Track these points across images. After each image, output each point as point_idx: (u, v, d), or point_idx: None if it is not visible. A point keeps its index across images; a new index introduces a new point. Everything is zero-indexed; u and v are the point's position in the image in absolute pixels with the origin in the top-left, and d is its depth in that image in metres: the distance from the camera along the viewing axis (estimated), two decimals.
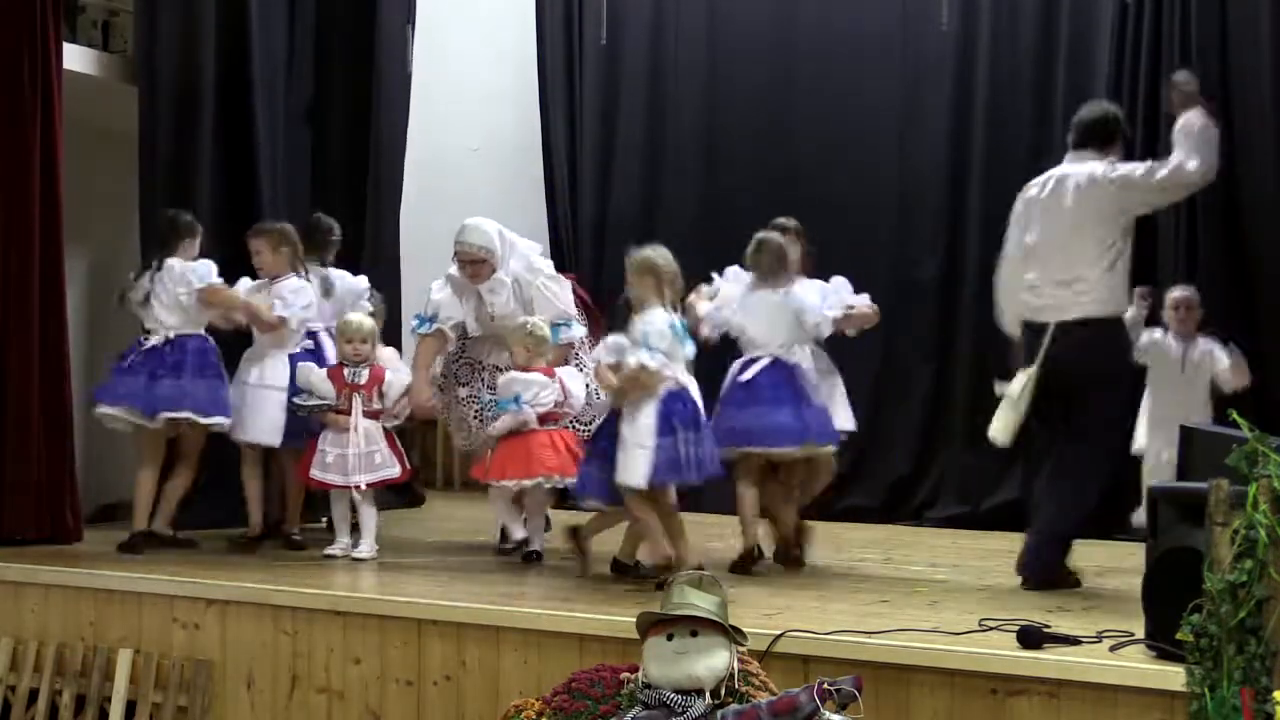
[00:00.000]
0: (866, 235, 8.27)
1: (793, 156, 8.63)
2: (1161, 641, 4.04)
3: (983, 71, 8.26)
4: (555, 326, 6.34)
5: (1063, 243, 5.67)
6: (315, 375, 6.22)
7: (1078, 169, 5.72)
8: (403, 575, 5.88)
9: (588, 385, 6.23)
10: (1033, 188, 5.85)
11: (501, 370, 6.32)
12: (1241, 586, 3.70)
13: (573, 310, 6.54)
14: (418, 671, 5.00)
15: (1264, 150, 7.12)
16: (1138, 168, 5.65)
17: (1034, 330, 5.73)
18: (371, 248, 7.93)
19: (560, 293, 6.52)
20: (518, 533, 6.37)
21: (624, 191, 9.08)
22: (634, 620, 3.92)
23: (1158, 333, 6.92)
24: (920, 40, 8.39)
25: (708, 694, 3.77)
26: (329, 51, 7.99)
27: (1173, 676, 3.90)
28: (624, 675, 3.97)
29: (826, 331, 6.07)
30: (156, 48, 7.01)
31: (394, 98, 8.33)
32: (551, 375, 6.10)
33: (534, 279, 6.45)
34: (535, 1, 9.22)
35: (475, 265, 6.35)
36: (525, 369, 6.06)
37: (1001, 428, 5.71)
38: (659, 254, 5.63)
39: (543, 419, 6.02)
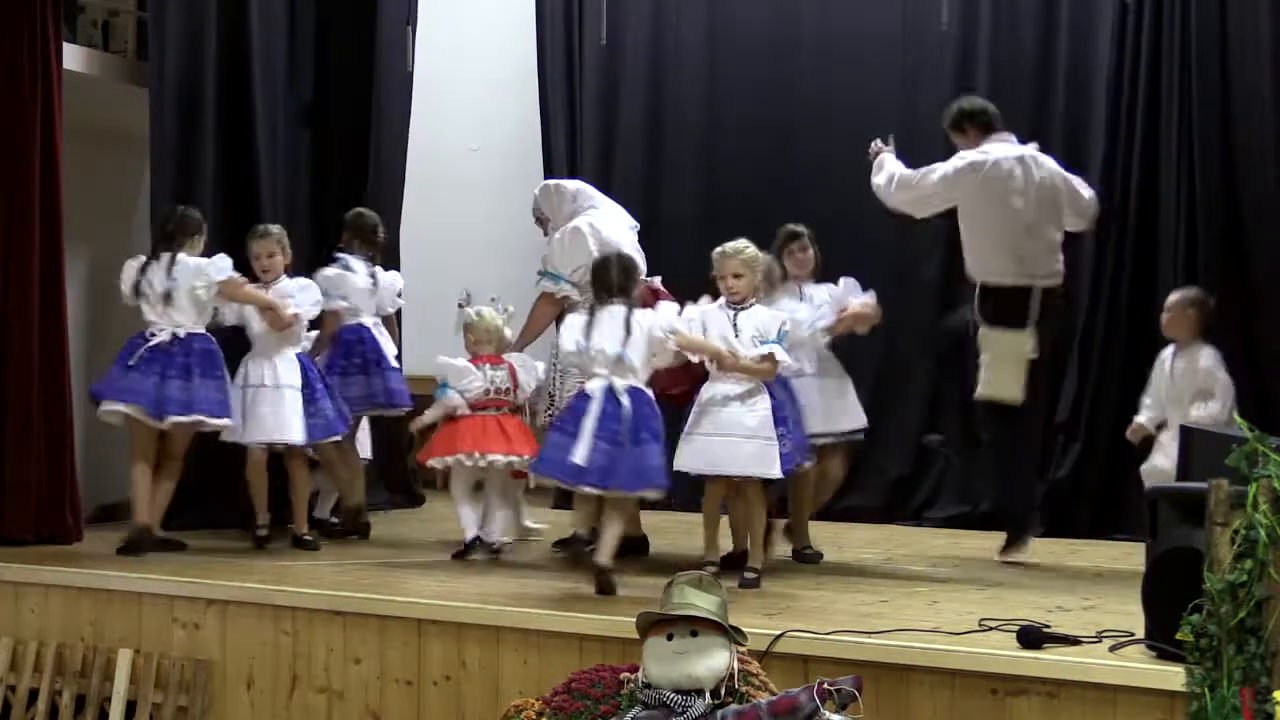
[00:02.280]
0: (866, 234, 8.26)
1: (792, 156, 8.63)
2: (1161, 641, 4.04)
3: (983, 71, 8.25)
4: (541, 275, 6.45)
5: None
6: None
7: None
8: (403, 575, 5.88)
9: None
10: None
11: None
12: (1241, 586, 3.70)
13: (566, 269, 6.34)
14: (418, 671, 5.00)
15: (1264, 150, 7.12)
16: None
17: None
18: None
19: (568, 246, 6.37)
20: (468, 533, 6.32)
21: (624, 191, 9.02)
22: (634, 620, 3.92)
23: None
24: (920, 40, 8.39)
25: (708, 694, 3.77)
26: (329, 51, 7.99)
27: (1173, 676, 3.90)
28: (624, 675, 3.97)
29: (822, 340, 6.24)
30: (164, 51, 7.02)
31: (394, 97, 8.33)
32: (500, 363, 6.30)
33: (564, 224, 6.46)
34: (535, 1, 9.22)
35: (540, 225, 6.68)
36: (474, 358, 6.33)
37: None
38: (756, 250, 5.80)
39: (484, 405, 6.22)
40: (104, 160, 7.40)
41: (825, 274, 6.53)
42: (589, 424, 5.30)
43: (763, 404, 5.50)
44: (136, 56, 7.40)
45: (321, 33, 7.94)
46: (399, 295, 7.19)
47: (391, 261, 8.18)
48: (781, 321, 5.65)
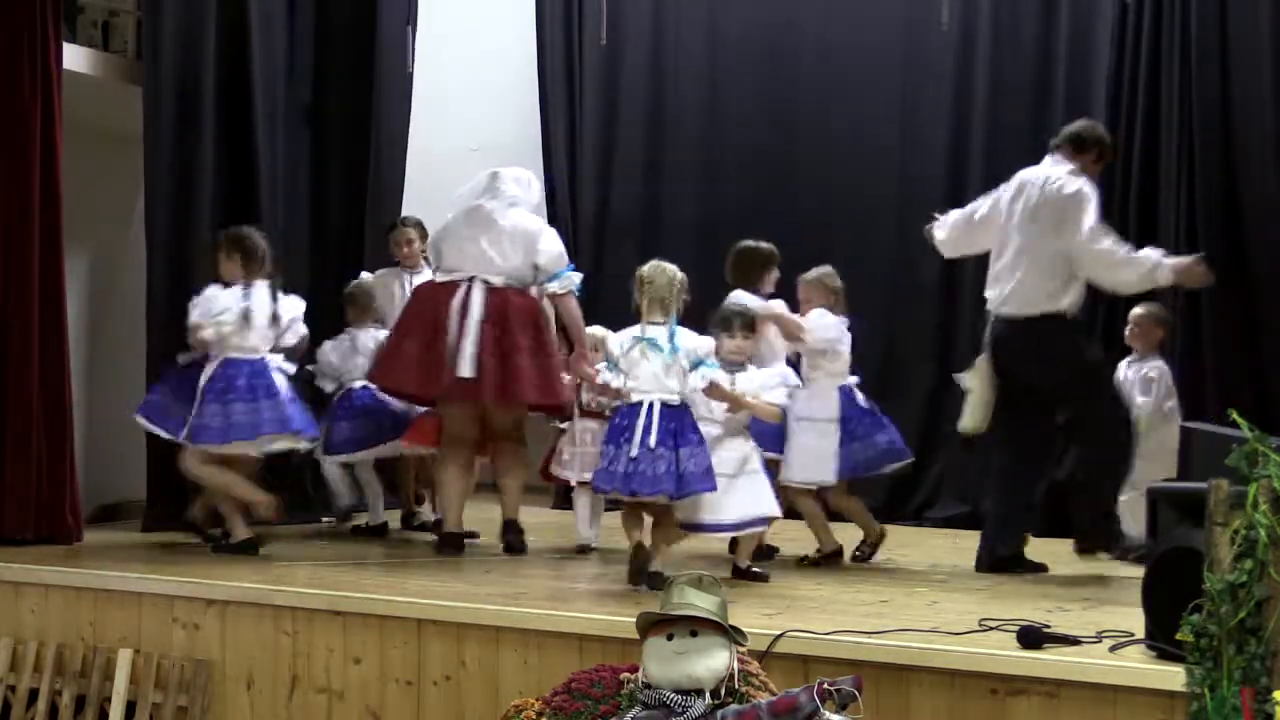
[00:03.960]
0: (867, 234, 8.27)
1: (792, 156, 8.64)
2: (1161, 641, 4.04)
3: (983, 71, 8.26)
4: None
5: (1018, 239, 6.04)
6: None
7: (1042, 171, 6.08)
8: (403, 575, 5.88)
9: None
10: (1010, 187, 6.17)
11: None
12: (1241, 586, 3.70)
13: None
14: (418, 671, 5.00)
15: (1264, 150, 7.12)
16: (1088, 213, 5.92)
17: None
18: (371, 248, 7.93)
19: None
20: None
21: (624, 191, 9.08)
22: (634, 620, 3.92)
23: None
24: (920, 40, 8.39)
25: (707, 694, 3.77)
26: (329, 52, 7.99)
27: (1173, 676, 3.90)
28: (624, 675, 3.97)
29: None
30: (160, 49, 7.01)
31: (394, 98, 8.33)
32: None
33: None
34: (535, 1, 9.22)
35: None
36: None
37: (969, 415, 6.19)
38: (649, 267, 5.73)
39: None
40: (104, 160, 7.40)
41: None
42: None
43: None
44: (136, 56, 7.38)
45: (321, 33, 7.94)
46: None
47: (392, 263, 8.18)
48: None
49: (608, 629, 4.64)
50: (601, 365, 5.75)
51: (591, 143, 9.13)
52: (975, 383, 6.19)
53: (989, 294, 6.19)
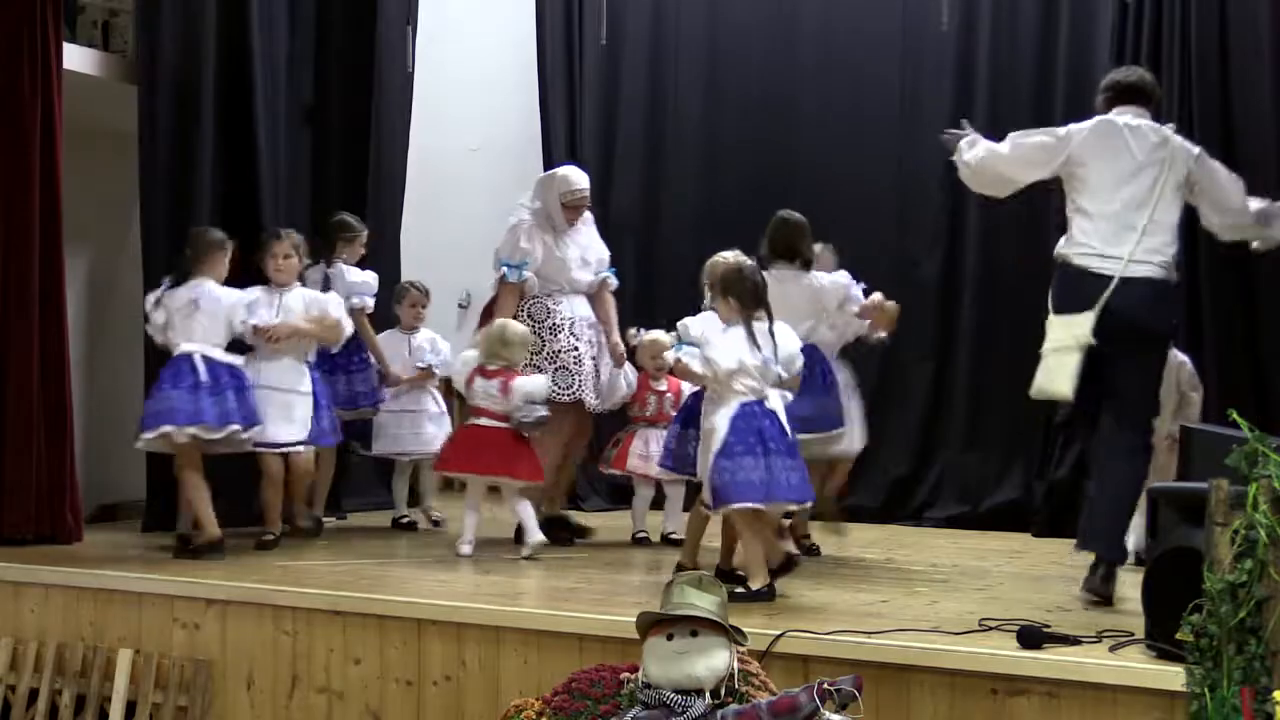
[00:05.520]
0: (866, 234, 8.26)
1: (792, 156, 8.64)
2: (1161, 641, 4.04)
3: (983, 71, 8.26)
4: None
5: (1140, 193, 5.38)
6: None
7: (1145, 122, 5.45)
8: (403, 575, 5.88)
9: None
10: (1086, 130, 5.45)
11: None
12: (1241, 586, 3.71)
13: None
14: (418, 671, 5.00)
15: (1264, 151, 7.12)
16: (1219, 166, 5.52)
17: (1091, 277, 5.29)
18: (372, 247, 7.92)
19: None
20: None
21: (624, 191, 9.08)
22: (634, 620, 3.92)
23: None
24: (920, 40, 8.39)
25: (708, 694, 3.77)
26: (329, 52, 7.99)
27: (1173, 676, 3.90)
28: (624, 675, 3.97)
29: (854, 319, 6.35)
30: (157, 47, 7.01)
31: (394, 98, 8.33)
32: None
33: None
34: (535, 1, 9.22)
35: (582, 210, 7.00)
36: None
37: (1068, 378, 5.21)
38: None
39: None
40: (104, 160, 7.40)
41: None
42: None
43: None
44: (136, 56, 7.40)
45: (321, 33, 7.94)
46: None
47: (393, 261, 8.20)
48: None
49: (608, 629, 4.64)
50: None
51: (592, 141, 9.13)
52: (1074, 340, 5.22)
53: (1095, 246, 5.31)
